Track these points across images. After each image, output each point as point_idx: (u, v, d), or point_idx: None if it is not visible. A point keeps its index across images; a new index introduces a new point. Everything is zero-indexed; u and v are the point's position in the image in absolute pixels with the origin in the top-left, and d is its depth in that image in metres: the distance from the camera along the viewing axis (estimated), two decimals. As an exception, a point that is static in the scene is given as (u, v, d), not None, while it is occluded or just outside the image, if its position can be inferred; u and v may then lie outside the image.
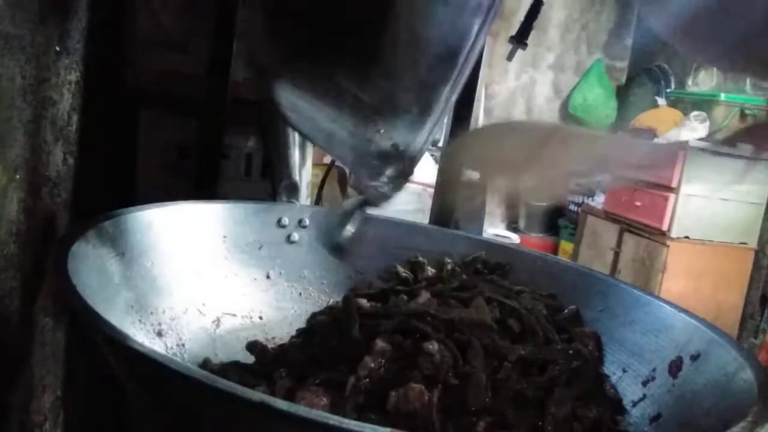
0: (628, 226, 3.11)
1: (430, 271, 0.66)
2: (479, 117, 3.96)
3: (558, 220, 4.01)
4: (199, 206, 0.63)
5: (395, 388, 0.41)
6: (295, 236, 0.69)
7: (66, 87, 0.66)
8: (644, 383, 0.52)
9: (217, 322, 0.60)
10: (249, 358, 0.51)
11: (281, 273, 0.67)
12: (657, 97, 3.53)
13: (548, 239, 4.03)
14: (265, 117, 0.79)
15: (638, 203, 3.02)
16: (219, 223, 0.63)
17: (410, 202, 1.73)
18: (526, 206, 4.10)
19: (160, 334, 0.52)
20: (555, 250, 3.90)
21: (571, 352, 0.52)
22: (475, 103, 1.12)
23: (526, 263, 0.68)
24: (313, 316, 0.58)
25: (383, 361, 0.43)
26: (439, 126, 0.44)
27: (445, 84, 0.41)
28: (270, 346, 0.52)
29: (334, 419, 0.28)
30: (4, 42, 0.52)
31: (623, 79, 4.23)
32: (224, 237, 0.63)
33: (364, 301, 0.52)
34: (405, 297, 0.57)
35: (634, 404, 0.52)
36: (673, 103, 3.34)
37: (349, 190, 1.85)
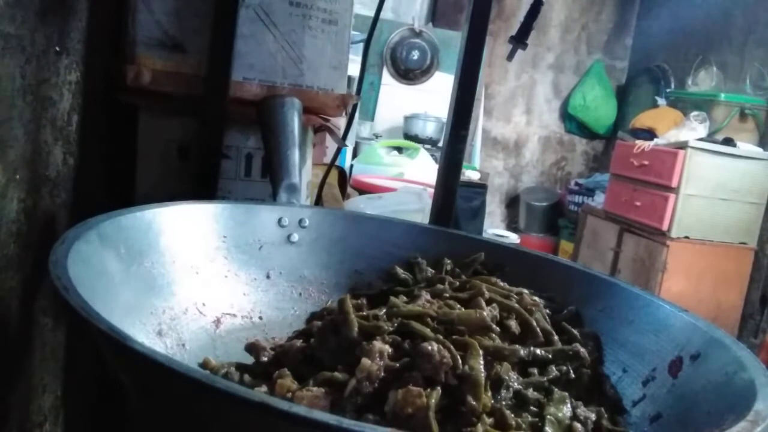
0: (628, 226, 3.11)
1: (429, 271, 0.66)
2: (479, 117, 3.97)
3: (558, 220, 4.02)
4: (199, 206, 0.63)
5: (394, 389, 0.41)
6: (295, 236, 0.69)
7: (66, 87, 0.66)
8: (644, 383, 0.52)
9: (217, 322, 0.60)
10: (249, 358, 0.51)
11: (281, 273, 0.67)
12: (657, 97, 3.54)
13: (548, 239, 4.04)
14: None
15: (638, 203, 3.02)
16: (219, 223, 0.63)
17: (410, 202, 1.73)
18: (526, 206, 4.10)
19: (160, 334, 0.52)
20: (555, 250, 3.90)
21: (570, 352, 0.52)
22: (475, 103, 1.12)
23: (526, 263, 0.68)
24: (312, 316, 0.58)
25: (382, 362, 0.43)
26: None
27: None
28: (270, 346, 0.52)
29: (334, 419, 0.28)
30: (4, 42, 0.52)
31: (623, 79, 4.23)
32: (224, 237, 0.63)
33: (358, 302, 0.52)
34: (404, 298, 0.57)
35: (634, 404, 0.52)
36: (672, 103, 3.34)
37: (349, 189, 1.86)
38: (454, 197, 0.90)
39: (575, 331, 0.56)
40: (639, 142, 3.05)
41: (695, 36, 3.52)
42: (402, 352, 0.45)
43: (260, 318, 0.63)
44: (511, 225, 4.24)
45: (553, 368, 0.50)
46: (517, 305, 0.55)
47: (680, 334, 0.52)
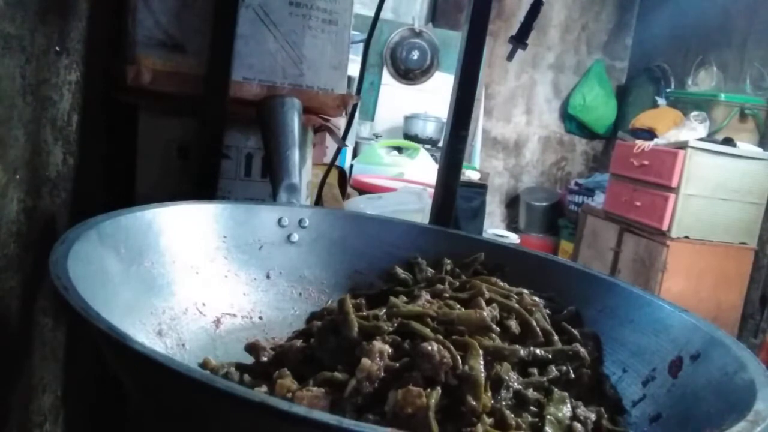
0: (628, 226, 3.11)
1: (429, 271, 0.66)
2: (479, 117, 3.97)
3: (558, 220, 4.02)
4: (199, 206, 0.63)
5: (394, 389, 0.41)
6: (295, 236, 0.69)
7: (66, 87, 0.66)
8: (644, 383, 0.52)
9: (217, 322, 0.60)
10: (249, 358, 0.51)
11: (281, 273, 0.67)
12: (657, 97, 3.54)
13: (548, 239, 4.04)
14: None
15: (638, 203, 3.02)
16: (219, 223, 0.63)
17: (410, 202, 1.73)
18: (526, 206, 4.10)
19: (160, 334, 0.52)
20: (555, 250, 3.90)
21: (570, 352, 0.52)
22: (475, 103, 1.12)
23: (526, 263, 0.68)
24: (312, 316, 0.58)
25: (382, 362, 0.43)
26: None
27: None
28: (270, 346, 0.52)
29: (334, 419, 0.28)
30: (4, 42, 0.52)
31: (623, 79, 4.23)
32: (224, 237, 0.63)
33: (357, 302, 0.52)
34: (404, 298, 0.57)
35: (634, 404, 0.52)
36: (672, 103, 3.34)
37: (349, 189, 1.85)
38: (454, 197, 0.90)
39: (575, 331, 0.56)
40: (639, 142, 3.05)
41: (695, 36, 3.52)
42: (402, 352, 0.45)
43: (260, 318, 0.63)
44: (511, 225, 4.24)
45: (553, 368, 0.50)
46: (517, 305, 0.55)
47: (680, 334, 0.52)
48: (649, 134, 3.09)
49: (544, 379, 0.49)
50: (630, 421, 0.51)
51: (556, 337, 0.54)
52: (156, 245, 0.56)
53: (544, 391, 0.48)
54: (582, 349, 0.52)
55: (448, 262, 0.67)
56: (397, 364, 0.44)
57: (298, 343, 0.50)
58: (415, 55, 3.48)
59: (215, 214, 0.64)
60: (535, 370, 0.50)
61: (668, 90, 3.62)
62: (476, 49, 0.87)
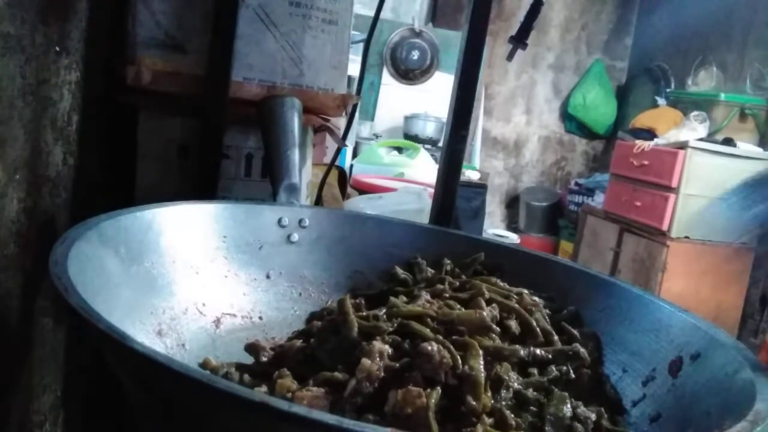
0: (628, 226, 3.11)
1: (429, 271, 0.66)
2: (479, 117, 3.97)
3: (558, 220, 4.02)
4: (199, 206, 0.63)
5: (394, 389, 0.41)
6: (295, 236, 0.69)
7: (66, 87, 0.66)
8: (644, 383, 0.52)
9: (217, 322, 0.60)
10: (249, 359, 0.52)
11: (281, 273, 0.67)
12: (657, 97, 3.54)
13: (548, 239, 4.04)
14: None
15: (638, 203, 3.02)
16: (219, 223, 0.63)
17: (410, 202, 1.73)
18: (526, 206, 4.10)
19: (160, 334, 0.52)
20: (555, 250, 3.90)
21: (570, 352, 0.52)
22: (475, 103, 1.12)
23: (526, 263, 0.68)
24: (312, 316, 0.58)
25: (382, 362, 0.43)
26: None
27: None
28: (269, 346, 0.52)
29: (334, 419, 0.28)
30: (4, 42, 0.52)
31: (623, 79, 4.23)
32: (224, 237, 0.63)
33: (356, 302, 0.52)
34: (404, 298, 0.57)
35: (634, 404, 0.52)
36: (673, 103, 3.34)
37: (349, 189, 1.85)
38: (454, 197, 0.90)
39: (575, 331, 0.56)
40: (639, 142, 3.05)
41: (695, 36, 3.52)
42: (402, 352, 0.45)
43: (260, 318, 0.63)
44: (511, 225, 4.24)
45: (553, 368, 0.50)
46: (517, 305, 0.55)
47: (680, 334, 0.52)
48: (649, 134, 3.09)
49: (544, 379, 0.49)
50: (630, 421, 0.51)
51: (556, 337, 0.54)
52: (156, 245, 0.56)
53: (544, 391, 0.48)
54: (582, 349, 0.52)
55: (448, 262, 0.67)
56: (397, 364, 0.44)
57: (298, 343, 0.51)
58: (415, 55, 3.48)
59: (215, 214, 0.64)
60: (535, 370, 0.50)
61: (668, 90, 3.62)
62: (476, 49, 0.87)
